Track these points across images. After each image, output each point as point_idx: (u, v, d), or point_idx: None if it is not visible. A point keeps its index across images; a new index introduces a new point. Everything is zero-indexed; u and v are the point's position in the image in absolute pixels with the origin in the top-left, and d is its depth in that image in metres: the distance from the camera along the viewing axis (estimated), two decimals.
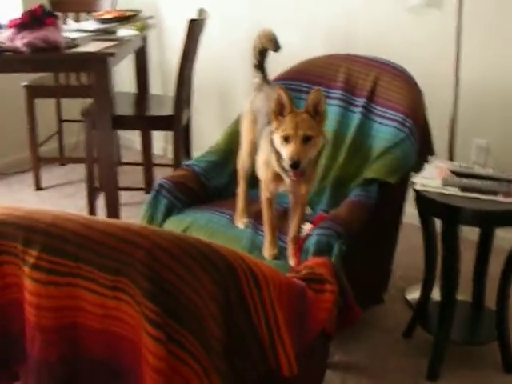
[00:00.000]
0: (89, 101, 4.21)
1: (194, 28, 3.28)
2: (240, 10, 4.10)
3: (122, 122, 3.35)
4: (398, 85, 2.81)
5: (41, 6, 3.15)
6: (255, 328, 1.52)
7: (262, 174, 2.42)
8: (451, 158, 2.86)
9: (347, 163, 2.81)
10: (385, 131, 2.76)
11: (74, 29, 3.46)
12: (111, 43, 3.21)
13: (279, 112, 2.28)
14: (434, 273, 2.67)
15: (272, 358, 1.56)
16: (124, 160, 4.34)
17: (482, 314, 2.70)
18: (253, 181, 2.72)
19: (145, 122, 3.54)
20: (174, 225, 2.62)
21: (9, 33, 3.09)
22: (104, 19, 3.51)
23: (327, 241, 2.31)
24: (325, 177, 2.83)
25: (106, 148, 3.16)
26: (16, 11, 4.29)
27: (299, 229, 2.46)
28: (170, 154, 4.62)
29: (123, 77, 4.43)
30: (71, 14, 4.18)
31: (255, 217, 2.66)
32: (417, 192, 2.47)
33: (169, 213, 2.71)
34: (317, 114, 2.26)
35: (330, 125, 2.71)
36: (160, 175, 4.14)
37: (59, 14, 3.47)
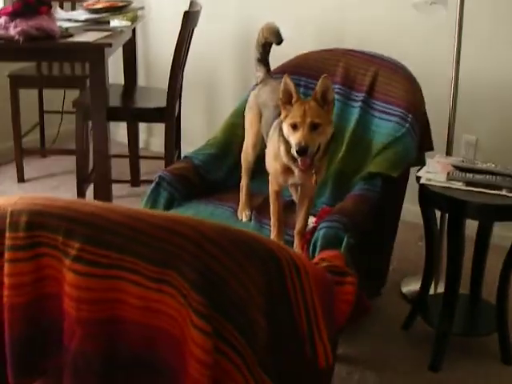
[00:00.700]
0: (73, 92, 4.19)
1: (189, 20, 3.25)
2: (230, 3, 4.08)
3: (115, 114, 3.31)
4: (397, 80, 2.83)
5: None
6: (295, 317, 1.53)
7: (271, 166, 2.42)
8: (448, 153, 2.89)
9: (347, 157, 2.83)
10: (385, 126, 2.78)
11: (64, 18, 3.41)
12: (105, 33, 3.17)
13: (287, 101, 2.28)
14: (434, 266, 2.71)
15: (309, 347, 1.56)
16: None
17: (479, 306, 2.75)
18: (253, 173, 2.74)
19: (137, 114, 3.50)
20: None
21: (1, 21, 3.02)
22: (95, 9, 3.46)
23: (335, 233, 2.31)
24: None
25: (100, 140, 3.12)
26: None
27: (306, 222, 2.47)
28: (154, 147, 4.62)
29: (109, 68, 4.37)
30: (55, 3, 4.10)
31: (257, 210, 2.67)
32: (421, 186, 2.50)
33: (169, 205, 2.69)
34: (325, 102, 2.26)
35: None
36: (144, 168, 4.14)
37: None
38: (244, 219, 2.62)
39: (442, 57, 3.31)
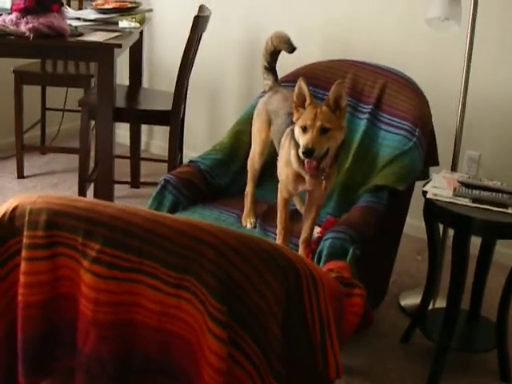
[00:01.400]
0: (74, 90, 4.19)
1: (198, 24, 3.25)
2: (236, 11, 4.08)
3: (120, 115, 3.30)
4: (405, 94, 2.84)
5: None
6: (309, 328, 1.53)
7: (283, 172, 2.42)
8: (454, 168, 2.91)
9: (353, 168, 2.84)
10: (392, 139, 2.79)
11: (73, 16, 3.40)
12: (114, 34, 3.16)
13: (300, 103, 2.29)
14: (436, 281, 2.72)
15: (321, 358, 1.57)
16: None
17: (478, 322, 2.76)
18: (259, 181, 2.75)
19: (142, 116, 3.49)
20: None
21: (12, 16, 3.01)
22: (104, 9, 3.45)
23: (341, 244, 2.32)
24: None
25: (105, 140, 3.11)
26: None
27: (312, 231, 2.48)
28: (154, 149, 4.62)
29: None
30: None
31: (262, 217, 2.67)
32: (427, 200, 2.51)
33: (174, 209, 2.69)
34: (337, 108, 2.28)
35: None
36: (144, 170, 4.14)
37: None
38: (248, 226, 2.62)
39: (449, 71, 3.34)
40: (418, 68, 3.29)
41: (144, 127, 4.45)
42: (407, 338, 2.77)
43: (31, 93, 4.12)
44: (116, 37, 3.12)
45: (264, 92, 2.80)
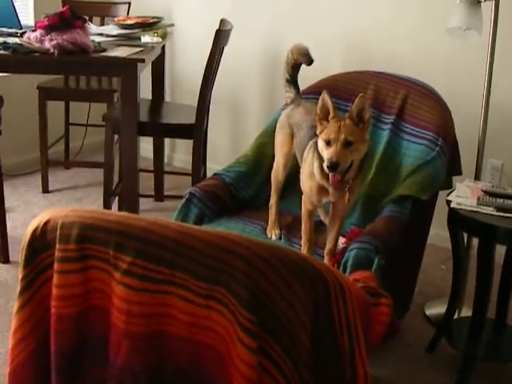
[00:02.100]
0: (97, 106, 4.24)
1: (220, 38, 3.29)
2: (257, 24, 4.12)
3: (143, 129, 3.34)
4: (428, 104, 2.85)
5: (69, 8, 3.13)
6: (337, 338, 1.54)
7: (306, 185, 2.44)
8: (477, 177, 2.90)
9: (376, 179, 2.84)
10: (415, 149, 2.80)
11: (96, 32, 3.45)
12: (137, 49, 3.20)
13: (324, 116, 2.31)
14: (461, 290, 2.71)
15: (349, 368, 1.58)
16: None
17: (505, 331, 2.75)
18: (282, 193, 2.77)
19: (165, 130, 3.53)
20: None
21: (37, 33, 3.06)
22: (127, 24, 3.50)
23: (366, 255, 2.33)
24: None
25: (130, 154, 3.15)
26: (28, 15, 4.29)
27: (336, 242, 2.49)
28: (176, 162, 4.65)
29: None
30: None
31: (287, 229, 2.69)
32: (451, 210, 2.52)
33: (199, 222, 2.70)
34: (360, 120, 2.29)
35: None
36: (167, 183, 4.18)
37: None
38: (274, 237, 2.64)
39: (469, 79, 3.34)
40: (438, 77, 3.30)
41: (167, 141, 4.48)
42: (433, 347, 2.76)
43: (55, 108, 4.18)
44: (139, 52, 3.15)
45: (286, 104, 2.82)
